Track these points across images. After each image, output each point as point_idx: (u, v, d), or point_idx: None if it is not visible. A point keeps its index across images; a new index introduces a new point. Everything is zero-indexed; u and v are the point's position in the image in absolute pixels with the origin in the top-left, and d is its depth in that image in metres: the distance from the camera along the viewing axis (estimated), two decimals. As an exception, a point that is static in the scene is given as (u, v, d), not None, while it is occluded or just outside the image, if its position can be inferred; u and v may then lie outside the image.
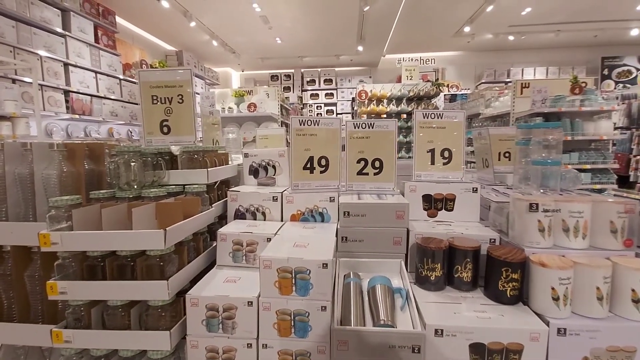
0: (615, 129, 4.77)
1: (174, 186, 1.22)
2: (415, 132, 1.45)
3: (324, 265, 0.90)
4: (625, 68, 8.38)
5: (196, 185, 1.21)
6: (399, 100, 4.87)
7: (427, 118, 1.45)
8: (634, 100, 5.28)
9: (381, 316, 0.95)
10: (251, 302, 0.93)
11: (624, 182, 4.96)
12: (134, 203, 1.00)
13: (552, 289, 0.91)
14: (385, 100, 4.92)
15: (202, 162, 1.27)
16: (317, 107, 9.35)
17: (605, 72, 8.41)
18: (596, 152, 3.91)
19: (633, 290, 0.88)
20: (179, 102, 1.36)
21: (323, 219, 1.35)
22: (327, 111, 9.24)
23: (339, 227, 1.24)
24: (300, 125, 1.42)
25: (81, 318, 0.96)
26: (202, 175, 1.22)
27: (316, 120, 1.43)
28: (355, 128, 1.45)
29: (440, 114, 1.45)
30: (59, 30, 4.26)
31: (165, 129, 1.36)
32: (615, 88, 8.07)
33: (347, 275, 1.14)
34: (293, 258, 0.91)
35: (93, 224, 0.93)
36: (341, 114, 9.17)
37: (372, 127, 1.44)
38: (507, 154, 1.95)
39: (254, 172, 1.58)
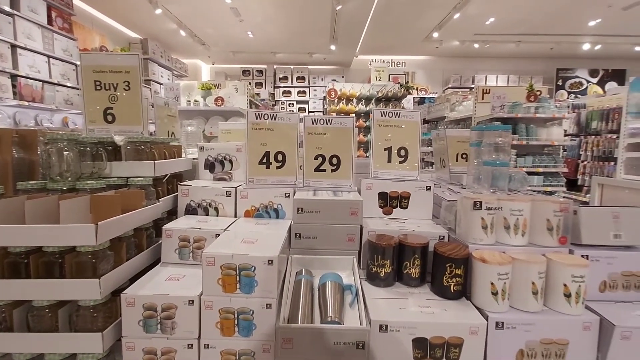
0: (566, 135, 5.11)
1: (116, 179, 1.14)
2: (373, 130, 1.46)
3: (270, 262, 0.88)
4: (577, 80, 9.02)
5: (141, 178, 1.14)
6: (368, 100, 4.93)
7: (385, 116, 1.46)
8: (583, 110, 5.68)
9: (329, 313, 0.94)
10: (192, 301, 0.89)
11: (572, 185, 5.33)
12: (65, 195, 0.92)
13: (492, 284, 0.94)
14: (354, 100, 4.97)
15: (150, 154, 1.20)
16: (290, 104, 9.28)
17: (560, 82, 9.01)
18: (548, 157, 4.16)
19: (565, 285, 0.93)
20: (125, 89, 1.28)
21: (278, 216, 1.32)
22: (299, 109, 9.19)
23: (292, 223, 1.22)
24: (257, 119, 1.38)
25: (1, 320, 0.87)
26: (148, 167, 1.15)
27: (273, 115, 1.40)
28: (313, 124, 1.43)
29: (397, 113, 1.47)
30: (7, 8, 3.92)
31: (109, 118, 1.27)
32: (567, 98, 8.65)
33: (299, 272, 1.12)
34: (238, 254, 0.88)
35: (16, 217, 0.85)
36: (313, 112, 9.16)
37: (331, 124, 1.43)
38: (464, 155, 2.02)
39: (210, 166, 1.52)
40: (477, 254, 0.99)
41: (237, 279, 0.89)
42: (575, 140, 5.58)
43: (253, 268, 0.88)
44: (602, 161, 5.06)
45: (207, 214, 1.31)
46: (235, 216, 1.32)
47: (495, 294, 0.94)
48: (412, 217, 1.37)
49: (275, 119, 1.40)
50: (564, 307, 0.94)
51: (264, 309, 0.89)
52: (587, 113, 5.53)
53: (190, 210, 1.31)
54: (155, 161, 1.17)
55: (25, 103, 4.16)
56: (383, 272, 1.08)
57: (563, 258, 0.97)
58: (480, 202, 1.04)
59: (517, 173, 1.73)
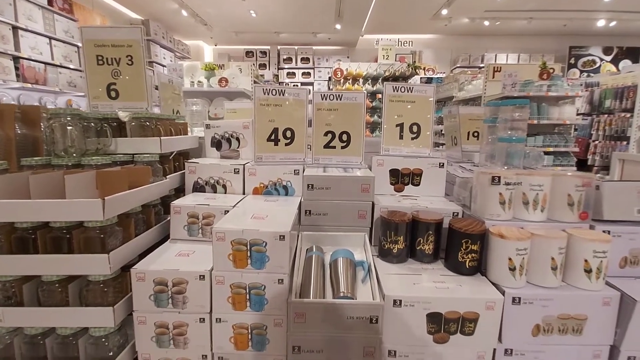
0: (578, 114, 4.98)
1: (122, 155, 1.12)
2: (385, 105, 1.41)
3: (281, 237, 0.86)
4: (590, 58, 8.72)
5: (147, 155, 1.11)
6: (374, 79, 4.81)
7: (397, 92, 1.40)
8: (596, 88, 5.50)
9: (341, 288, 0.92)
10: (203, 276, 0.87)
11: (582, 165, 5.23)
12: (70, 171, 0.90)
13: (509, 259, 0.91)
14: (360, 80, 4.85)
15: (155, 130, 1.17)
16: (294, 85, 9.13)
17: (572, 60, 8.71)
18: (559, 136, 4.06)
19: (585, 260, 0.90)
20: (128, 63, 1.23)
21: (287, 193, 1.29)
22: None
23: (302, 200, 1.19)
24: (265, 94, 1.34)
25: (12, 295, 0.87)
26: (154, 144, 1.12)
27: (281, 90, 1.36)
28: (322, 99, 1.38)
29: (410, 88, 1.41)
30: (5, -12, 3.83)
31: (113, 94, 1.24)
32: (580, 77, 8.39)
33: (310, 249, 1.11)
34: (248, 230, 0.86)
35: (21, 193, 0.83)
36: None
37: (340, 99, 1.38)
38: (475, 134, 1.97)
39: (217, 144, 1.49)
40: (495, 229, 0.95)
41: (248, 255, 0.87)
42: (587, 119, 5.44)
43: (264, 243, 0.86)
44: (614, 140, 4.94)
45: (215, 192, 1.29)
46: (244, 194, 1.29)
47: (512, 269, 0.91)
48: (424, 195, 1.34)
49: (283, 95, 1.35)
50: (583, 283, 0.91)
51: (276, 284, 0.88)
52: (601, 91, 5.37)
53: (198, 188, 1.29)
54: (162, 137, 1.14)
55: (29, 85, 4.12)
56: (396, 248, 1.05)
57: (584, 233, 0.93)
58: (499, 177, 1.00)
59: (532, 150, 1.68)
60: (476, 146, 1.88)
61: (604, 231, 0.99)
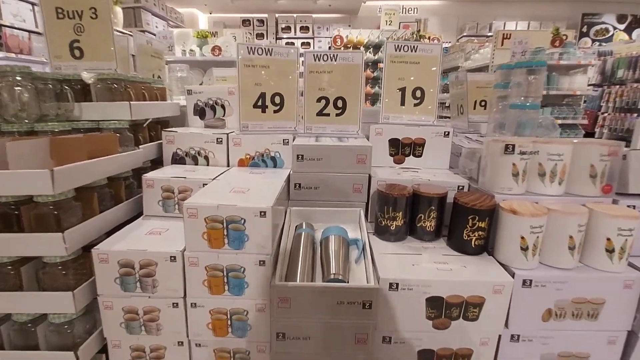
0: (588, 85, 4.75)
1: (87, 122, 0.99)
2: (386, 67, 1.26)
3: (262, 213, 0.75)
4: (603, 26, 8.28)
5: (115, 122, 0.98)
6: (376, 48, 4.55)
7: (400, 51, 1.25)
8: (609, 57, 5.23)
9: (332, 270, 0.82)
10: (174, 257, 0.77)
11: (588, 138, 5.06)
12: (17, 138, 0.78)
13: (522, 238, 0.81)
14: (362, 48, 4.59)
15: (125, 94, 1.04)
16: (292, 57, 8.77)
17: (584, 29, 8.29)
18: (568, 108, 3.88)
19: (608, 239, 0.80)
20: (91, 17, 1.08)
21: (275, 165, 1.18)
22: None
23: (292, 172, 1.08)
24: (250, 54, 1.19)
25: (-41, 279, 0.77)
26: (123, 109, 0.99)
27: (269, 49, 1.20)
28: (315, 60, 1.23)
29: (414, 47, 1.26)
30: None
31: (76, 52, 1.09)
32: (591, 46, 8.01)
33: (299, 225, 1.00)
34: (224, 205, 0.75)
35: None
36: (317, 65, 8.65)
37: (335, 60, 1.23)
38: (482, 103, 1.82)
39: (200, 112, 1.35)
40: (506, 204, 0.84)
41: (225, 233, 0.76)
42: (597, 90, 5.21)
43: (242, 221, 0.75)
44: (625, 112, 4.74)
45: (196, 164, 1.17)
46: (228, 166, 1.18)
47: (524, 249, 0.81)
48: (427, 167, 1.22)
49: (271, 54, 1.20)
50: (604, 264, 0.81)
51: (257, 266, 0.78)
52: (614, 61, 5.11)
53: (178, 160, 1.17)
54: (132, 102, 1.01)
55: (13, 55, 3.91)
56: (394, 225, 0.95)
57: (608, 209, 0.82)
58: (513, 146, 0.88)
59: (545, 119, 1.54)
60: (483, 116, 1.74)
61: (628, 206, 0.88)
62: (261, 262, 0.77)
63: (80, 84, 1.02)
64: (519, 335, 0.85)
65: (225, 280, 0.79)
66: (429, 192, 0.94)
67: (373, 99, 4.46)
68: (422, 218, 0.95)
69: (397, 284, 0.79)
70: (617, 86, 4.93)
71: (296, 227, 1.01)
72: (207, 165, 1.17)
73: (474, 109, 1.79)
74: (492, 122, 1.38)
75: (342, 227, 0.97)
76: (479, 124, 1.74)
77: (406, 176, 1.09)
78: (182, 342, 0.84)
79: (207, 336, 0.83)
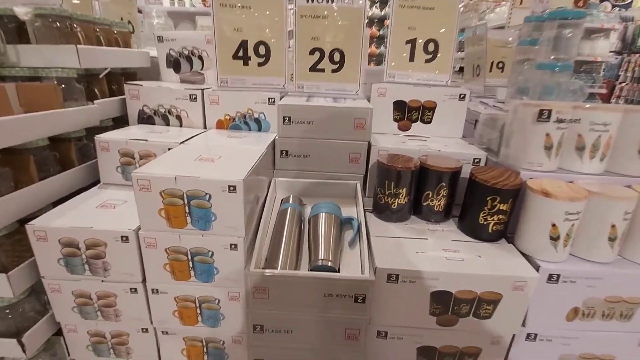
0: (609, 52, 4.44)
1: (25, 69, 0.81)
2: (393, 13, 1.04)
3: (232, 188, 0.59)
4: (628, -11, 7.69)
5: (59, 70, 0.80)
6: (383, 3, 4.18)
7: (411, -6, 1.03)
8: (631, 23, 4.86)
9: (320, 254, 0.69)
10: (126, 237, 0.63)
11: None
12: None
13: (553, 225, 0.66)
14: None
15: (71, 35, 0.84)
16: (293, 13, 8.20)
17: (607, -9, 7.69)
18: (587, 75, 3.62)
19: (657, 228, 0.65)
20: None
21: (260, 128, 1.01)
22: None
23: (277, 137, 0.91)
24: (229, -9, 0.97)
25: None
26: (70, 54, 0.80)
27: (252, -14, 0.99)
28: (308, 1, 1.02)
29: (429, -12, 1.04)
30: None
31: (11, -20, 0.88)
32: (611, 11, 7.48)
33: (285, 199, 0.86)
34: (184, 177, 0.59)
35: None
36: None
37: (332, 1, 1.01)
38: (500, 64, 1.62)
39: (174, 64, 1.16)
40: (535, 184, 0.69)
41: (187, 210, 0.61)
42: (617, 58, 4.89)
43: (207, 196, 0.60)
44: (644, 84, 4.47)
45: (167, 124, 1.00)
46: (205, 128, 1.01)
47: (554, 238, 0.67)
48: (436, 135, 1.05)
49: (254, -8, 0.98)
50: (648, 258, 0.68)
51: (228, 250, 0.64)
52: (635, 27, 4.74)
53: (145, 119, 1.00)
54: (80, 46, 0.82)
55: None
56: (396, 203, 0.80)
57: (661, 192, 0.67)
58: (549, 112, 0.71)
59: (573, 83, 1.34)
60: (500, 79, 1.55)
61: (681, 189, 0.72)
62: (232, 246, 0.63)
63: (14, 22, 0.82)
64: (536, 335, 0.73)
65: (191, 265, 0.65)
66: (440, 166, 0.78)
67: (378, 60, 4.15)
68: (430, 196, 0.80)
69: (397, 276, 0.65)
70: (638, 55, 4.61)
71: (282, 200, 0.86)
72: (181, 126, 1.00)
73: (490, 71, 1.59)
74: (513, 86, 1.19)
75: (335, 204, 0.82)
76: (495, 88, 1.55)
77: (412, 145, 0.93)
78: (146, 329, 0.72)
79: (174, 324, 0.71)
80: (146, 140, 0.80)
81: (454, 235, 0.78)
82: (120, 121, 1.02)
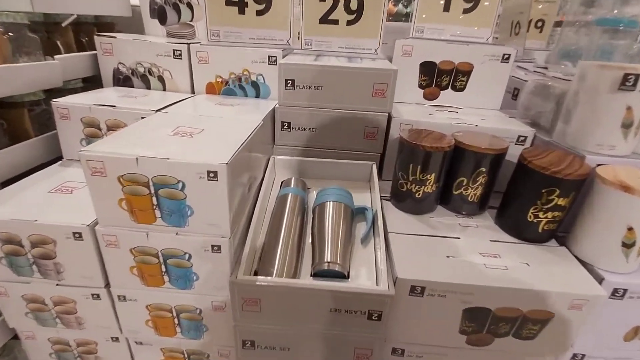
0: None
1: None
2: (425, -51, 0.83)
3: (211, 175, 0.45)
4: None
5: (5, 14, 0.63)
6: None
7: None
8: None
9: (326, 256, 0.55)
10: (79, 234, 0.50)
11: None
12: None
13: (629, 229, 0.51)
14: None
15: (19, -33, 0.66)
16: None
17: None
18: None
19: None
20: None
21: (258, 93, 0.84)
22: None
23: (278, 105, 0.75)
24: None
25: None
26: (16, -8, 0.63)
27: None
28: None
29: None
30: None
31: None
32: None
33: (286, 182, 0.71)
34: (147, 158, 0.44)
35: None
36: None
37: None
38: (539, 23, 1.38)
39: (159, 14, 0.97)
40: (609, 174, 0.53)
41: (155, 203, 0.47)
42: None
43: (180, 185, 0.45)
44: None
45: (148, 87, 0.84)
46: (193, 92, 0.85)
47: (628, 245, 0.52)
48: (470, 106, 0.88)
49: None
50: None
51: (209, 253, 0.50)
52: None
53: (122, 80, 0.84)
54: (30, -18, 0.64)
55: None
56: (421, 191, 0.65)
57: None
58: (636, 77, 0.53)
59: (635, 47, 1.12)
60: (538, 41, 1.33)
61: None
62: (215, 248, 0.50)
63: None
64: (583, 356, 0.60)
65: (164, 269, 0.52)
66: (480, 146, 0.62)
67: (396, 20, 3.79)
68: (464, 183, 0.65)
69: (423, 289, 0.52)
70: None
71: (282, 183, 0.72)
72: (164, 89, 0.84)
73: (527, 31, 1.36)
74: (561, 47, 0.99)
75: (346, 190, 0.68)
76: (531, 51, 1.34)
77: (442, 118, 0.76)
78: (116, 338, 0.62)
79: (148, 334, 0.60)
80: (114, 106, 0.65)
81: (492, 234, 0.63)
82: (94, 83, 0.86)
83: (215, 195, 0.46)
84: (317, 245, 0.58)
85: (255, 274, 0.54)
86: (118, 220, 0.49)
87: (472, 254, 0.57)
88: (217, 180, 0.45)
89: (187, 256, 0.51)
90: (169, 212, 0.48)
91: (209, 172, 0.44)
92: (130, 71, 0.82)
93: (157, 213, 0.48)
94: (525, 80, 0.92)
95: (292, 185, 0.70)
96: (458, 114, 0.81)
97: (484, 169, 0.62)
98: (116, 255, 0.51)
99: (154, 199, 0.47)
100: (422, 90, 0.88)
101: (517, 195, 0.60)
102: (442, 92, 0.88)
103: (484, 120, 0.76)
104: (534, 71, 1.10)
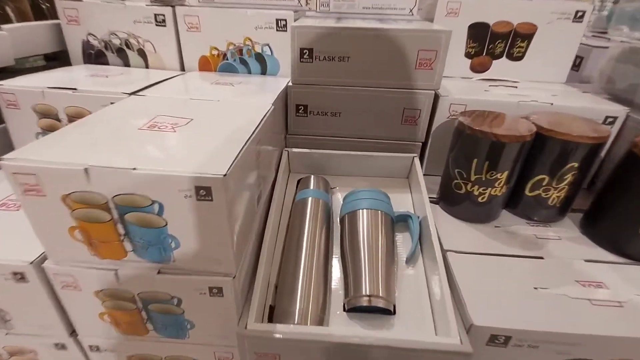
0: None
1: None
2: None
3: (202, 192, 0.29)
4: None
5: None
6: None
7: None
8: None
9: (364, 286, 0.40)
10: (21, 275, 0.35)
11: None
12: None
13: None
14: None
15: None
16: None
17: None
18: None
19: None
20: None
21: (265, 69, 0.67)
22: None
23: (290, 84, 0.58)
24: None
25: None
26: None
27: None
28: None
29: None
30: None
31: None
32: None
33: (303, 182, 0.56)
34: (103, 169, 0.29)
35: None
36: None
37: None
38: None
39: (139, -27, 0.79)
40: None
41: (122, 232, 0.32)
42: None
43: (156, 207, 0.30)
44: None
45: (126, 64, 0.67)
46: (183, 69, 0.68)
47: None
48: (528, 78, 0.70)
49: None
50: None
51: (206, 296, 0.35)
52: None
53: (94, 56, 0.67)
54: None
55: None
56: (487, 194, 0.49)
57: None
58: None
59: None
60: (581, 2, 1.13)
61: None
62: (214, 291, 0.35)
63: None
64: None
65: (145, 316, 0.38)
66: (572, 133, 0.45)
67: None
68: (545, 182, 0.48)
69: (508, 338, 0.37)
70: None
71: (298, 183, 0.57)
72: (147, 67, 0.67)
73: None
74: (616, 10, 0.81)
75: (382, 192, 0.52)
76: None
77: (502, 95, 0.59)
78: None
79: (135, 386, 0.46)
80: (74, 89, 0.49)
81: (583, 250, 0.47)
82: (62, 61, 0.70)
83: (209, 220, 0.31)
84: (351, 270, 0.43)
85: (271, 310, 0.40)
86: (73, 254, 0.34)
87: (567, 282, 0.42)
88: (211, 200, 0.29)
89: (175, 301, 0.36)
90: (143, 244, 0.33)
91: (198, 188, 0.29)
92: (102, 44, 0.65)
93: (128, 245, 0.33)
94: (593, 46, 0.74)
95: (311, 186, 0.54)
96: (518, 89, 0.64)
97: (575, 164, 0.46)
98: (78, 300, 0.37)
99: (120, 226, 0.31)
100: (470, 61, 0.70)
101: (625, 199, 0.44)
102: (494, 61, 0.70)
103: (556, 97, 0.59)
104: (593, 36, 0.92)
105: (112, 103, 0.46)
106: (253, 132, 0.37)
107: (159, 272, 0.34)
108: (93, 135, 0.34)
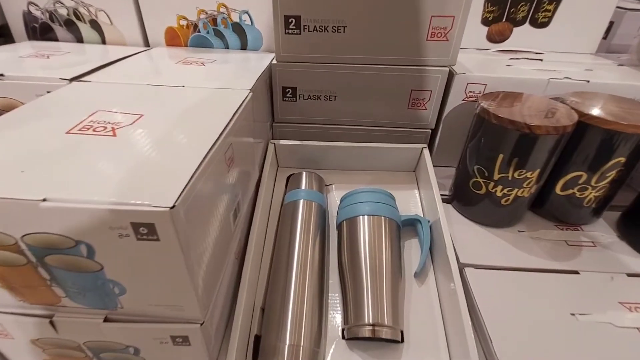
0: None
1: None
2: None
3: (142, 230, 0.20)
4: None
5: None
6: None
7: None
8: None
9: (366, 313, 0.33)
10: None
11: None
12: None
13: None
14: None
15: None
16: None
17: None
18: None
19: None
20: None
21: (245, 42, 0.56)
22: None
23: (275, 61, 0.48)
24: None
25: None
26: None
27: None
28: None
29: None
30: None
31: None
32: None
33: (295, 180, 0.47)
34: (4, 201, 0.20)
35: None
36: None
37: None
38: None
39: None
40: None
41: (46, 276, 0.24)
42: None
43: (83, 249, 0.22)
44: None
45: (78, 39, 0.57)
46: (148, 45, 0.57)
47: None
48: (553, 49, 0.60)
49: None
50: None
51: (169, 345, 0.28)
52: None
53: (39, 30, 0.56)
54: None
55: None
56: (513, 195, 0.41)
57: None
58: None
59: None
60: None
61: None
62: (177, 340, 0.27)
63: None
64: None
65: (97, 364, 0.31)
66: (621, 122, 0.36)
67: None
68: (582, 180, 0.40)
69: (544, 382, 0.30)
70: None
71: (287, 181, 0.48)
72: (103, 42, 0.57)
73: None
74: None
75: (385, 192, 0.44)
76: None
77: (526, 72, 0.49)
78: None
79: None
80: (1, 75, 0.39)
81: (625, 260, 0.40)
82: (5, 38, 0.58)
83: (159, 265, 0.22)
84: (351, 291, 0.36)
85: (256, 340, 0.33)
86: (-7, 300, 0.26)
87: (609, 305, 0.35)
88: (156, 240, 0.21)
89: (131, 350, 0.29)
90: (78, 290, 0.25)
91: (136, 225, 0.20)
92: (47, 15, 0.54)
93: (58, 290, 0.25)
94: (626, 9, 0.64)
95: (303, 186, 0.46)
96: (544, 63, 0.54)
97: (622, 159, 0.38)
98: (15, 349, 0.30)
99: (42, 270, 0.23)
100: (486, 29, 0.60)
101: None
102: (515, 29, 0.60)
103: (591, 72, 0.50)
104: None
105: (48, 92, 0.37)
106: (221, 134, 0.28)
107: (105, 319, 0.27)
108: (1, 144, 0.25)
